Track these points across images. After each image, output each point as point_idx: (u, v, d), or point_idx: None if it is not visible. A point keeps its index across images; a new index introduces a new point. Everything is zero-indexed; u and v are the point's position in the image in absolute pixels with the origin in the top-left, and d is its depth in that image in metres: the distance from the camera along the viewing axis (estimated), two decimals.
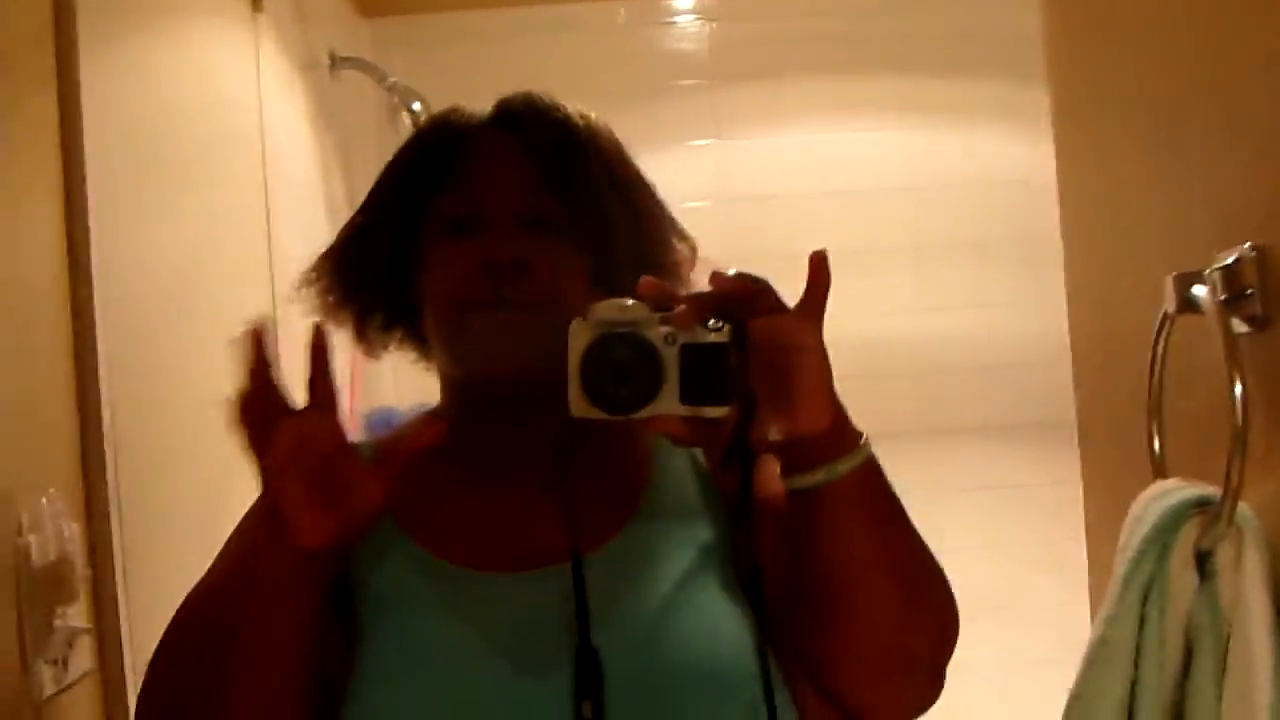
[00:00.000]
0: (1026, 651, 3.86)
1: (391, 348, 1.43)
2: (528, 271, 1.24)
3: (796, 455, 1.13)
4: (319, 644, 1.18)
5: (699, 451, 1.34)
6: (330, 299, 1.38)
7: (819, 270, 1.11)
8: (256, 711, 1.16)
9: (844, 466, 1.11)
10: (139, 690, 1.23)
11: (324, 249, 1.40)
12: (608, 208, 1.31)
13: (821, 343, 1.10)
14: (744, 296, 1.10)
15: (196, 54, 2.28)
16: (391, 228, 1.33)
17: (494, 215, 1.28)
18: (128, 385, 1.80)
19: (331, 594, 1.19)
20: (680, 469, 1.33)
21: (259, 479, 1.14)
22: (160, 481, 1.93)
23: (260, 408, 1.13)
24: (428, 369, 1.42)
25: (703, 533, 1.28)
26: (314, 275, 1.39)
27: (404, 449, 1.18)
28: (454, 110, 1.36)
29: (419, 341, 1.41)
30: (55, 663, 1.54)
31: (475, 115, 1.35)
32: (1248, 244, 1.31)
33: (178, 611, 1.24)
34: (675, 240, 1.37)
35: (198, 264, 2.17)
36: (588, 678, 1.14)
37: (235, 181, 2.44)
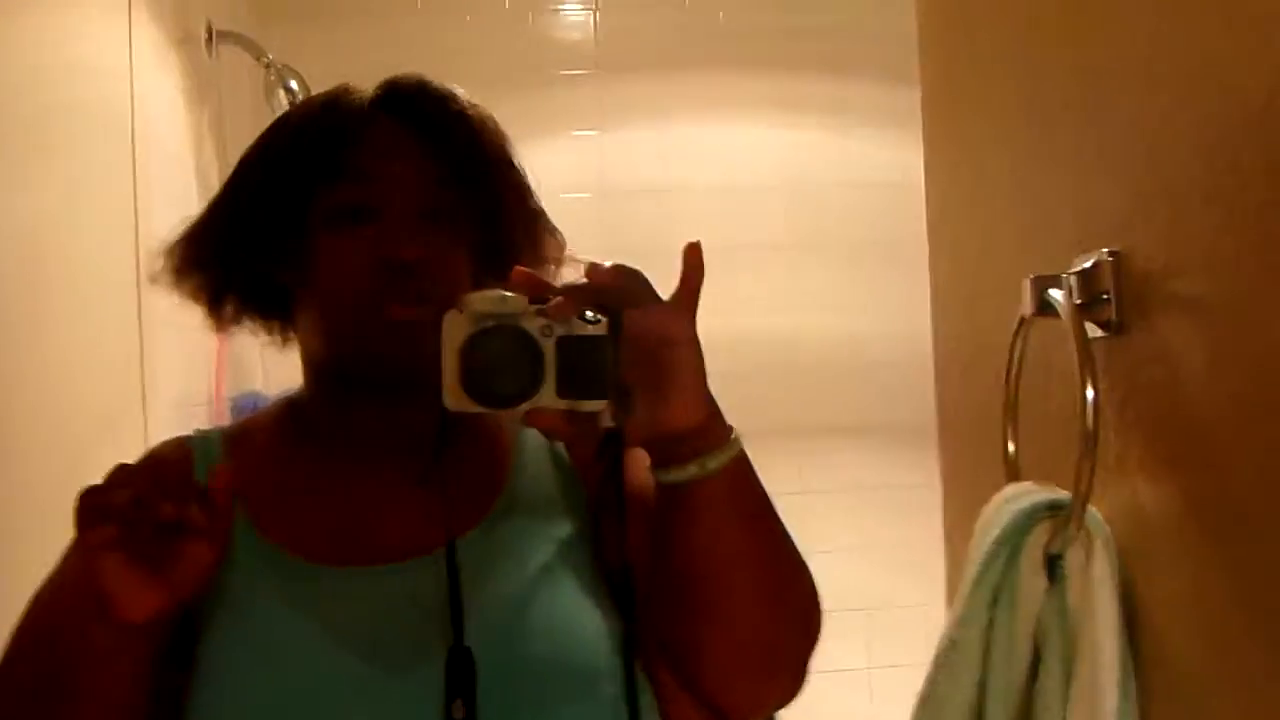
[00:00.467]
0: (890, 653, 3.90)
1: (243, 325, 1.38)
2: (427, 269, 1.22)
3: (668, 449, 1.11)
4: (147, 696, 1.14)
5: (560, 444, 1.33)
6: (188, 276, 1.33)
7: (693, 262, 1.10)
8: None
9: (715, 461, 1.10)
10: None
11: (188, 224, 1.35)
12: (501, 204, 1.30)
13: (695, 335, 1.08)
14: (620, 288, 1.08)
15: (62, 20, 2.22)
16: (267, 210, 1.27)
17: (391, 207, 1.24)
18: None
19: (160, 650, 1.14)
20: (541, 462, 1.32)
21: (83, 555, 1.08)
22: (11, 455, 1.86)
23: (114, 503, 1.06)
24: (281, 349, 1.38)
25: (562, 527, 1.26)
26: (175, 250, 1.34)
27: (254, 434, 1.14)
28: (342, 91, 1.32)
29: (276, 322, 1.37)
30: None
31: (364, 97, 1.31)
32: (1105, 249, 1.31)
33: (13, 635, 1.19)
34: (547, 235, 1.36)
35: (56, 236, 2.11)
36: (460, 675, 1.12)
37: (101, 153, 2.38)
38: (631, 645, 1.16)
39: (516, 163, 1.34)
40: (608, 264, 1.10)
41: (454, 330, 1.07)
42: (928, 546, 2.68)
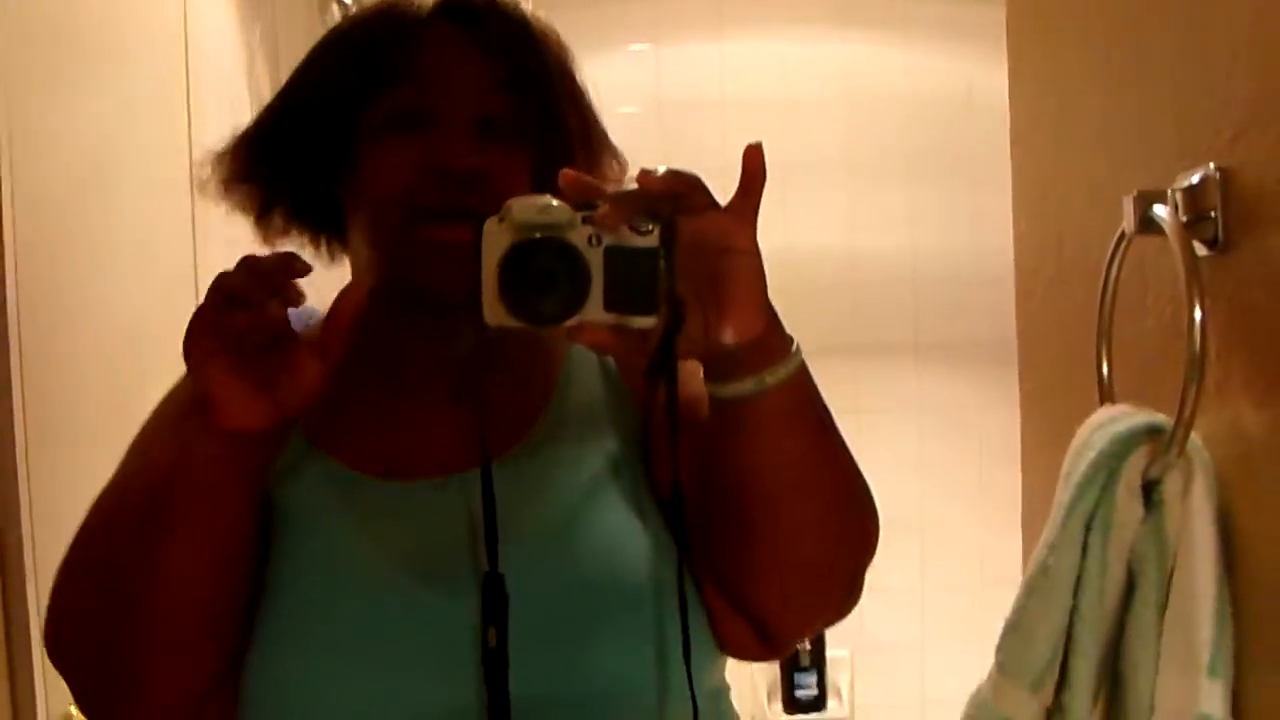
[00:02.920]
0: (941, 575, 3.89)
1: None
2: (484, 181, 1.17)
3: (724, 362, 1.07)
4: (250, 541, 1.13)
5: (609, 358, 1.29)
6: (237, 185, 1.30)
7: (753, 167, 1.05)
8: (186, 608, 1.10)
9: (774, 376, 1.06)
10: (52, 589, 1.17)
11: (238, 131, 1.31)
12: (562, 114, 1.25)
13: (755, 244, 1.04)
14: (674, 195, 1.03)
15: None
16: (320, 116, 1.24)
17: (448, 115, 1.20)
18: (37, 278, 1.73)
19: (263, 485, 1.13)
20: (589, 375, 1.29)
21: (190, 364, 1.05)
22: (72, 372, 1.86)
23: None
24: (329, 267, 1.35)
25: (609, 442, 1.24)
26: (224, 158, 1.31)
27: (336, 324, 1.11)
28: None
29: (324, 236, 1.35)
30: None
31: (423, 4, 1.26)
32: (1212, 165, 1.27)
33: (90, 513, 1.17)
34: (608, 157, 1.32)
35: (112, 151, 2.09)
36: (493, 602, 1.09)
37: (155, 67, 2.35)
38: (683, 565, 1.12)
39: (579, 78, 1.31)
40: (661, 169, 1.05)
41: (494, 241, 1.02)
42: (989, 469, 2.68)
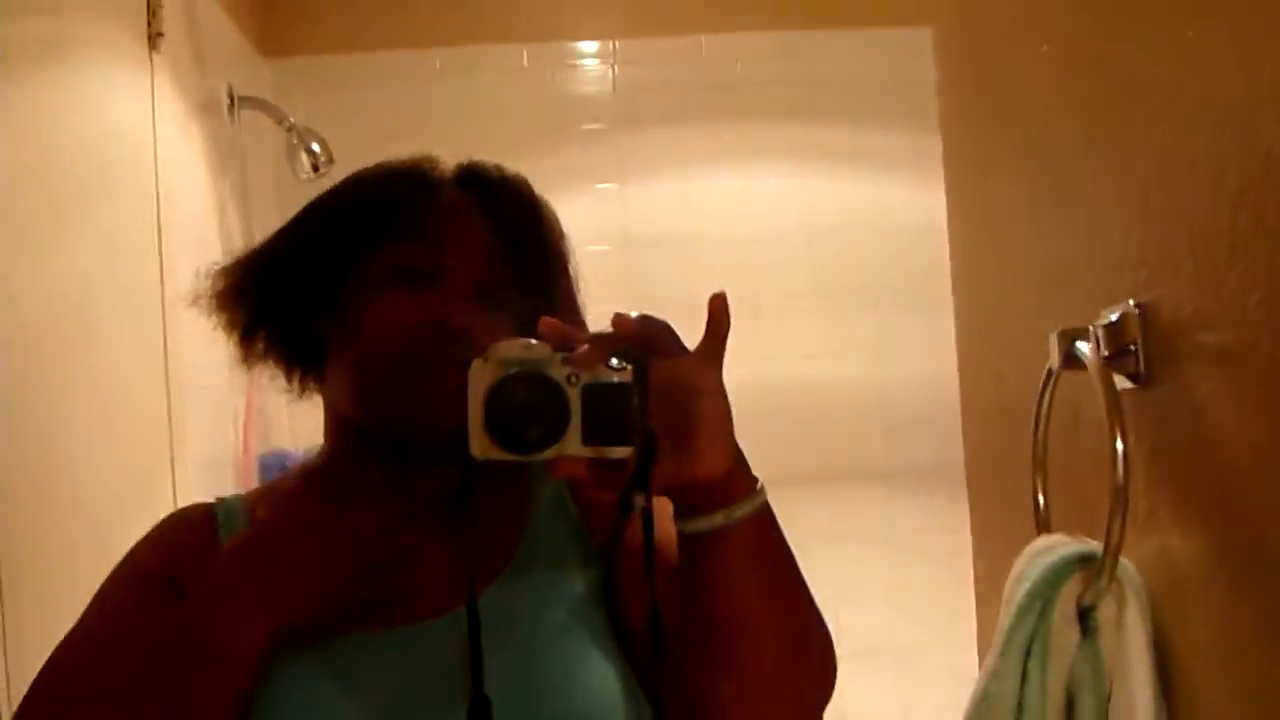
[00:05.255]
0: (921, 697, 3.87)
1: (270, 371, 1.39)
2: (474, 340, 1.21)
3: (693, 498, 1.11)
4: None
5: (568, 498, 1.33)
6: (229, 304, 1.34)
7: (719, 313, 1.10)
8: None
9: (740, 511, 1.10)
10: None
11: (241, 253, 1.36)
12: (556, 287, 1.32)
13: (722, 386, 1.09)
14: (646, 338, 1.08)
15: (89, 91, 2.25)
16: (324, 256, 1.29)
17: (451, 276, 1.25)
18: (11, 427, 1.76)
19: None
20: (552, 519, 1.32)
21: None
22: (43, 517, 1.88)
23: None
24: (299, 400, 1.39)
25: (576, 580, 1.27)
26: (223, 275, 1.35)
27: (279, 497, 1.14)
28: (424, 158, 1.34)
29: (300, 370, 1.38)
30: None
31: (444, 169, 1.33)
32: (1131, 301, 1.31)
33: (46, 669, 1.19)
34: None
35: (88, 301, 2.13)
36: None
37: (128, 220, 2.40)
38: (661, 701, 1.16)
39: (565, 239, 1.36)
40: (634, 314, 1.10)
41: (480, 378, 1.07)
42: (959, 590, 2.68)
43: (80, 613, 1.24)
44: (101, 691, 1.14)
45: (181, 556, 1.25)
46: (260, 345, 1.36)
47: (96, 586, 1.27)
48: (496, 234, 1.29)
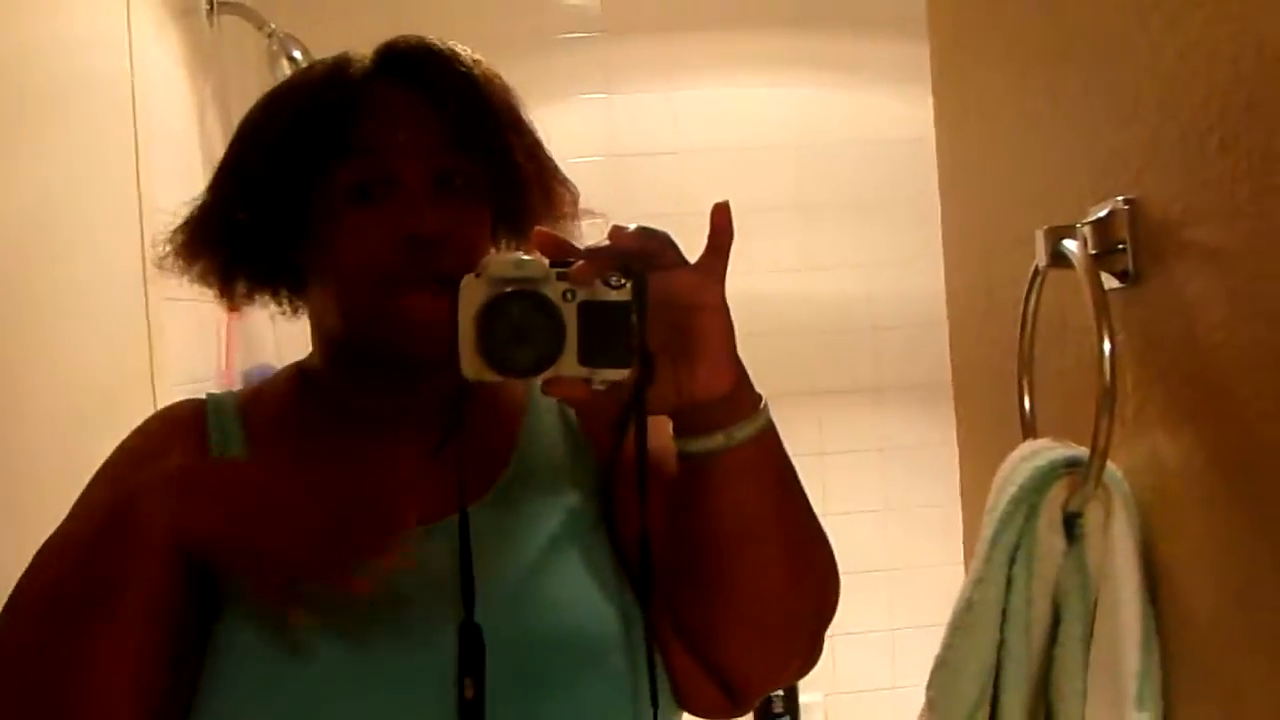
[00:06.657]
0: (912, 613, 3.88)
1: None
2: (451, 242, 1.18)
3: (694, 418, 1.08)
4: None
5: (570, 411, 1.30)
6: (196, 260, 1.31)
7: (721, 224, 1.06)
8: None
9: (742, 432, 1.08)
10: None
11: (192, 207, 1.32)
12: (517, 164, 1.26)
13: (724, 301, 1.06)
14: (645, 252, 1.05)
15: None
16: (274, 191, 1.24)
17: (404, 180, 1.21)
18: None
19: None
20: (550, 428, 1.29)
21: None
22: (19, 431, 1.86)
23: None
24: (292, 319, 1.37)
25: (571, 496, 1.24)
26: (180, 235, 1.31)
27: (266, 400, 1.11)
28: (342, 60, 1.27)
29: (286, 293, 1.35)
30: None
31: (364, 65, 1.26)
32: (1120, 197, 1.28)
33: (26, 578, 1.15)
34: (560, 188, 1.33)
35: (60, 213, 2.09)
36: (471, 653, 1.10)
37: (102, 127, 2.36)
38: (650, 618, 1.13)
39: (526, 118, 1.31)
40: (632, 226, 1.06)
41: (471, 295, 1.04)
42: (949, 505, 2.67)
43: (58, 522, 1.21)
44: None
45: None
46: (241, 289, 1.33)
47: (72, 501, 1.25)
48: (436, 115, 1.23)
